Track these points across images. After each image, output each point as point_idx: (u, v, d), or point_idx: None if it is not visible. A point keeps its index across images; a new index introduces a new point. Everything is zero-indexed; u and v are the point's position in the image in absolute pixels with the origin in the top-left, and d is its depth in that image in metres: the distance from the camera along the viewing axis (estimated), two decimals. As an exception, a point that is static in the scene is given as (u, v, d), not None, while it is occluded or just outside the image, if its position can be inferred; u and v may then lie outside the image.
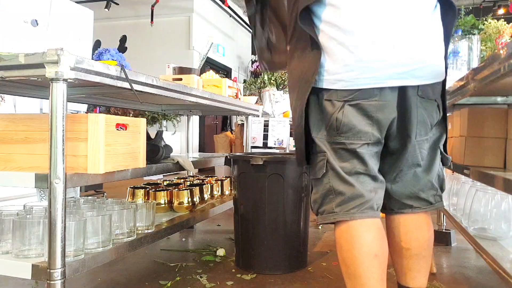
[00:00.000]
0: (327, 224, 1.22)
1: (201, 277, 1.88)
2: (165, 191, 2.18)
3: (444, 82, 1.26)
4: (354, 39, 1.09)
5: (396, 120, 1.17)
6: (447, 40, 1.25)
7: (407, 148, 1.21)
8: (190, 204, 2.18)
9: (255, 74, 7.61)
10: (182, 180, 2.61)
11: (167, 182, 2.53)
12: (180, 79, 2.22)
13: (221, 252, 2.22)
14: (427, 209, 1.28)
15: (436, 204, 1.29)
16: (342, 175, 1.16)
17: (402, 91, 1.14)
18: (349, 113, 1.13)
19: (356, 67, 1.10)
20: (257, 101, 3.43)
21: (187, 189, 2.20)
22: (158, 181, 2.58)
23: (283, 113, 4.88)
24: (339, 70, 1.11)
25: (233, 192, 2.14)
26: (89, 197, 1.85)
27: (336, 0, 1.10)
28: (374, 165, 1.19)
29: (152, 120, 6.35)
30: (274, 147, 4.44)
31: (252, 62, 9.23)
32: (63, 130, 1.21)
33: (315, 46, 1.14)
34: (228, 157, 2.19)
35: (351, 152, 1.16)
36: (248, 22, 9.07)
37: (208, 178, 2.72)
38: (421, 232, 1.28)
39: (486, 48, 2.41)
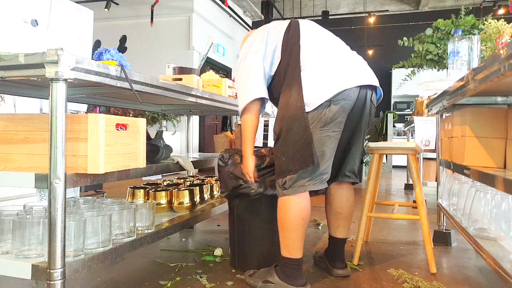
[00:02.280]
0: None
1: (201, 277, 1.88)
2: (165, 191, 2.18)
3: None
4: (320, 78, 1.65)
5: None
6: None
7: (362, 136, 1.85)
8: (190, 204, 2.18)
9: (255, 74, 7.60)
10: (182, 180, 2.61)
11: (167, 182, 2.53)
12: (180, 79, 2.22)
13: (218, 252, 2.21)
14: (356, 181, 1.89)
15: (358, 179, 1.91)
16: None
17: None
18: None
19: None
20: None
21: (187, 189, 2.20)
22: (158, 181, 2.58)
23: (283, 113, 4.87)
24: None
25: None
26: (89, 197, 1.85)
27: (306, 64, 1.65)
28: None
29: (152, 120, 6.36)
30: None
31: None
32: (63, 130, 1.21)
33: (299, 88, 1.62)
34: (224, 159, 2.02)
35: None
36: (248, 22, 9.08)
37: (208, 178, 2.72)
38: (349, 202, 1.91)
39: (486, 48, 2.41)
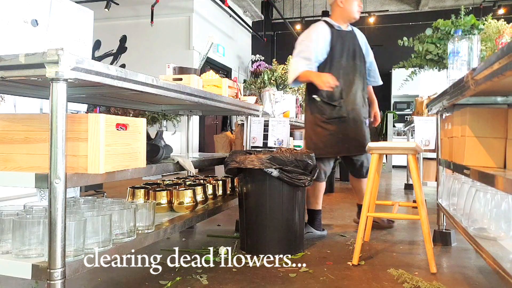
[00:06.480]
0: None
1: (201, 277, 1.88)
2: (165, 191, 2.18)
3: None
4: None
5: None
6: None
7: None
8: (190, 204, 2.18)
9: (255, 74, 7.62)
10: (182, 180, 2.61)
11: (167, 182, 2.53)
12: (180, 79, 2.22)
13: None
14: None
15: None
16: None
17: None
18: None
19: None
20: (256, 101, 3.43)
21: (187, 189, 2.20)
22: (158, 181, 2.58)
23: (283, 113, 4.87)
24: None
25: (237, 188, 2.39)
26: (89, 197, 1.85)
27: None
28: None
29: (152, 120, 6.35)
30: (274, 147, 4.43)
31: (252, 62, 9.25)
32: (63, 130, 1.21)
33: None
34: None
35: None
36: (248, 22, 9.09)
37: (208, 178, 2.72)
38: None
39: (486, 48, 2.41)
